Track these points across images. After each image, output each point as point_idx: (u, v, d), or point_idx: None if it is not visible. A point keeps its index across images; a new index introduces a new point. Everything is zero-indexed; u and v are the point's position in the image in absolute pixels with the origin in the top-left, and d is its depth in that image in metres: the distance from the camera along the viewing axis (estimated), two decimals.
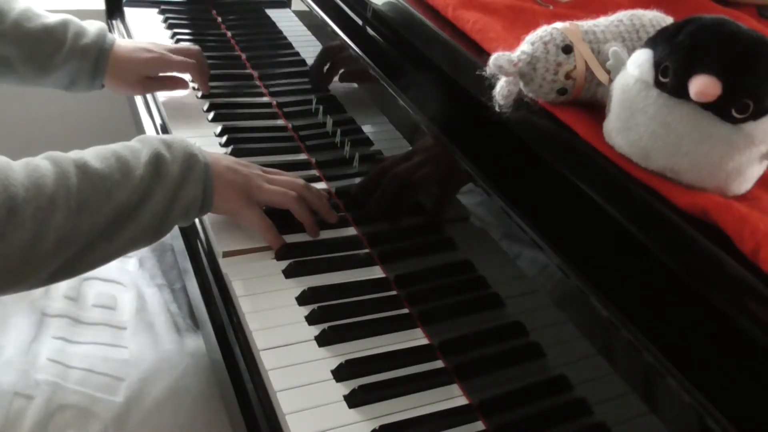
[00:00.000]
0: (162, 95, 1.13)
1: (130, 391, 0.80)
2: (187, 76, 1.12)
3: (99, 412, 0.77)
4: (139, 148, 0.75)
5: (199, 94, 1.15)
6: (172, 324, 0.90)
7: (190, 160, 0.76)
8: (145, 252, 1.01)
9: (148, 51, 1.06)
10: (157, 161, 0.74)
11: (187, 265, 0.87)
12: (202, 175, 0.77)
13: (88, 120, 1.61)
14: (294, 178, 0.88)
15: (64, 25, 1.01)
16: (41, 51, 0.99)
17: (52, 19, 1.01)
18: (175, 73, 1.10)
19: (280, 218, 0.87)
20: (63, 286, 0.90)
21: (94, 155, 0.72)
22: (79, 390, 0.78)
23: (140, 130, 1.12)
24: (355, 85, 0.95)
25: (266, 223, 0.83)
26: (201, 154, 0.78)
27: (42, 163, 0.68)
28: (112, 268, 0.96)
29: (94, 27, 1.04)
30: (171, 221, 0.75)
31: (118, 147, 0.75)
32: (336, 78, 1.00)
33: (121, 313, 0.89)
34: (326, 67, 1.03)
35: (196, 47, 1.13)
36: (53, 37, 0.99)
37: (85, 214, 0.68)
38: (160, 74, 1.09)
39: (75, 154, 0.71)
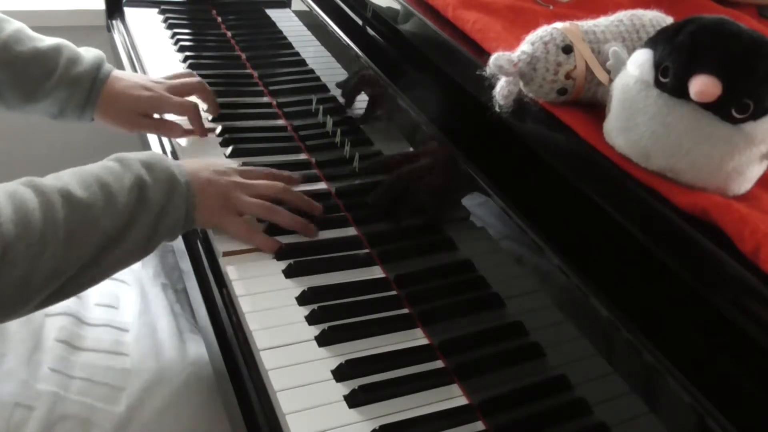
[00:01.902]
0: None
1: (130, 400, 0.79)
2: (184, 121, 1.03)
3: (100, 423, 0.77)
4: (120, 172, 0.73)
5: None
6: (175, 328, 0.89)
7: (172, 181, 0.76)
8: None
9: (146, 89, 0.99)
10: (139, 186, 0.73)
11: (187, 265, 0.87)
12: (184, 195, 0.76)
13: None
14: (272, 182, 0.87)
15: (57, 50, 0.95)
16: (30, 76, 0.94)
17: (45, 42, 0.96)
18: (172, 117, 1.03)
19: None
20: None
21: (76, 181, 0.70)
22: (80, 400, 0.78)
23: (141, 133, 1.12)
24: (355, 84, 0.95)
25: (251, 229, 0.83)
26: (180, 172, 0.77)
27: (26, 193, 0.66)
28: None
29: (90, 54, 0.98)
30: (156, 242, 0.75)
31: (99, 171, 0.73)
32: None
33: (124, 314, 0.89)
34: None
35: (197, 79, 1.05)
36: (44, 63, 0.94)
37: (74, 244, 0.67)
38: (155, 115, 1.02)
39: (57, 182, 0.70)
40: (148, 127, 1.02)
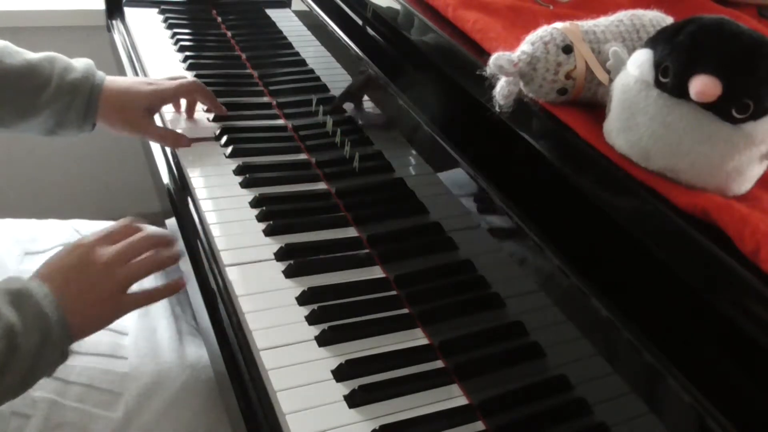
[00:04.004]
0: None
1: (128, 406, 0.79)
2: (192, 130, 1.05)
3: (98, 429, 0.76)
4: None
5: None
6: (175, 330, 0.89)
7: (42, 319, 0.66)
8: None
9: (147, 84, 0.98)
10: (8, 336, 0.63)
11: (187, 265, 0.87)
12: (60, 330, 0.67)
13: None
14: (132, 239, 0.76)
15: (49, 60, 0.92)
16: (25, 89, 0.90)
17: (35, 54, 0.93)
18: (177, 130, 1.03)
19: (280, 216, 0.88)
20: None
21: None
22: (78, 407, 0.77)
23: None
24: (355, 84, 0.95)
25: (151, 295, 0.76)
26: (50, 302, 0.67)
27: None
28: None
29: (81, 62, 0.95)
30: (33, 382, 0.67)
31: None
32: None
33: (123, 317, 0.88)
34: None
35: (193, 79, 1.05)
36: (39, 74, 0.91)
37: None
38: (161, 127, 1.02)
39: None
40: (153, 133, 1.00)
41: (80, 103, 0.93)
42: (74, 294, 0.69)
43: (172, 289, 0.79)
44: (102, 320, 0.73)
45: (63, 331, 0.68)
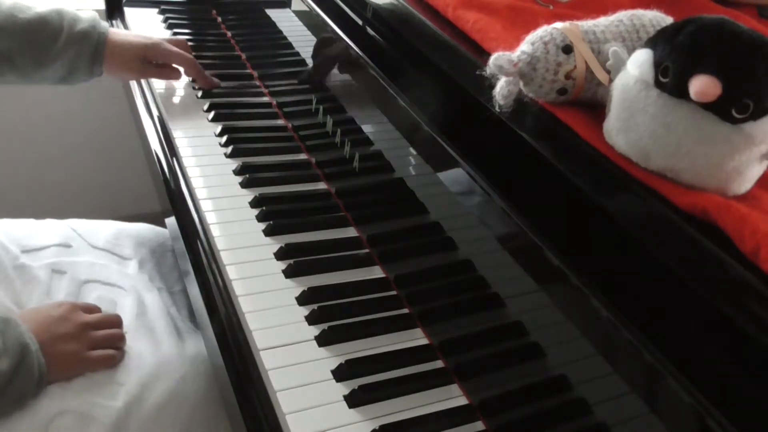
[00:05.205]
0: (162, 97, 1.13)
1: (129, 396, 0.79)
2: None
3: (99, 417, 0.77)
4: None
5: (199, 93, 1.15)
6: (173, 328, 0.90)
7: (24, 347, 0.74)
8: (144, 255, 1.01)
9: (147, 38, 1.08)
10: None
11: (187, 265, 0.87)
12: (36, 362, 0.75)
13: (89, 120, 1.61)
14: (109, 314, 0.87)
15: (58, 14, 1.02)
16: (39, 40, 0.99)
17: (45, 8, 1.02)
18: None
19: (280, 216, 0.88)
20: (63, 291, 0.90)
21: None
22: (80, 395, 0.78)
23: (141, 132, 1.12)
24: (355, 84, 0.95)
25: (113, 359, 0.82)
26: (30, 335, 0.75)
27: None
28: (112, 272, 0.96)
29: (87, 14, 1.04)
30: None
31: None
32: (333, 71, 1.00)
33: (122, 318, 0.89)
34: (322, 62, 1.03)
35: (191, 57, 1.13)
36: (49, 26, 1.00)
37: None
38: (155, 68, 1.10)
39: None
40: (152, 73, 1.11)
41: (88, 51, 1.02)
42: (48, 341, 0.78)
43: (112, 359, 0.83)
44: (69, 370, 0.79)
45: (39, 364, 0.75)
